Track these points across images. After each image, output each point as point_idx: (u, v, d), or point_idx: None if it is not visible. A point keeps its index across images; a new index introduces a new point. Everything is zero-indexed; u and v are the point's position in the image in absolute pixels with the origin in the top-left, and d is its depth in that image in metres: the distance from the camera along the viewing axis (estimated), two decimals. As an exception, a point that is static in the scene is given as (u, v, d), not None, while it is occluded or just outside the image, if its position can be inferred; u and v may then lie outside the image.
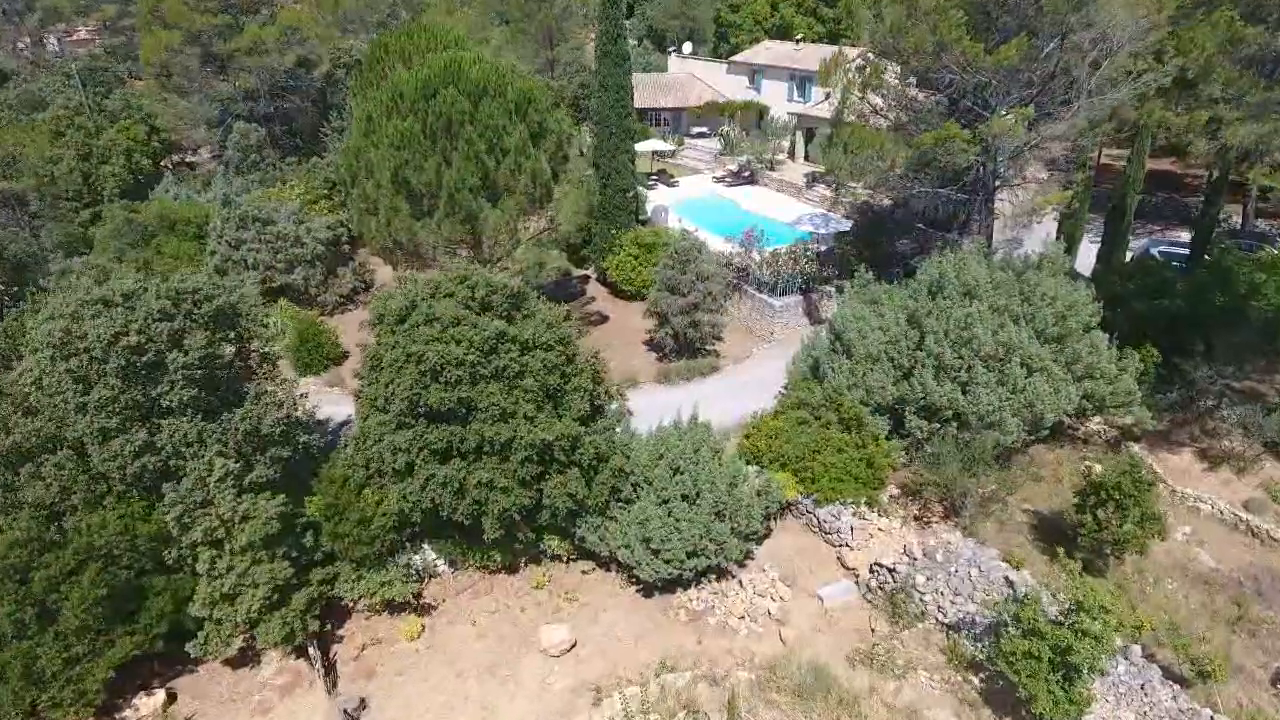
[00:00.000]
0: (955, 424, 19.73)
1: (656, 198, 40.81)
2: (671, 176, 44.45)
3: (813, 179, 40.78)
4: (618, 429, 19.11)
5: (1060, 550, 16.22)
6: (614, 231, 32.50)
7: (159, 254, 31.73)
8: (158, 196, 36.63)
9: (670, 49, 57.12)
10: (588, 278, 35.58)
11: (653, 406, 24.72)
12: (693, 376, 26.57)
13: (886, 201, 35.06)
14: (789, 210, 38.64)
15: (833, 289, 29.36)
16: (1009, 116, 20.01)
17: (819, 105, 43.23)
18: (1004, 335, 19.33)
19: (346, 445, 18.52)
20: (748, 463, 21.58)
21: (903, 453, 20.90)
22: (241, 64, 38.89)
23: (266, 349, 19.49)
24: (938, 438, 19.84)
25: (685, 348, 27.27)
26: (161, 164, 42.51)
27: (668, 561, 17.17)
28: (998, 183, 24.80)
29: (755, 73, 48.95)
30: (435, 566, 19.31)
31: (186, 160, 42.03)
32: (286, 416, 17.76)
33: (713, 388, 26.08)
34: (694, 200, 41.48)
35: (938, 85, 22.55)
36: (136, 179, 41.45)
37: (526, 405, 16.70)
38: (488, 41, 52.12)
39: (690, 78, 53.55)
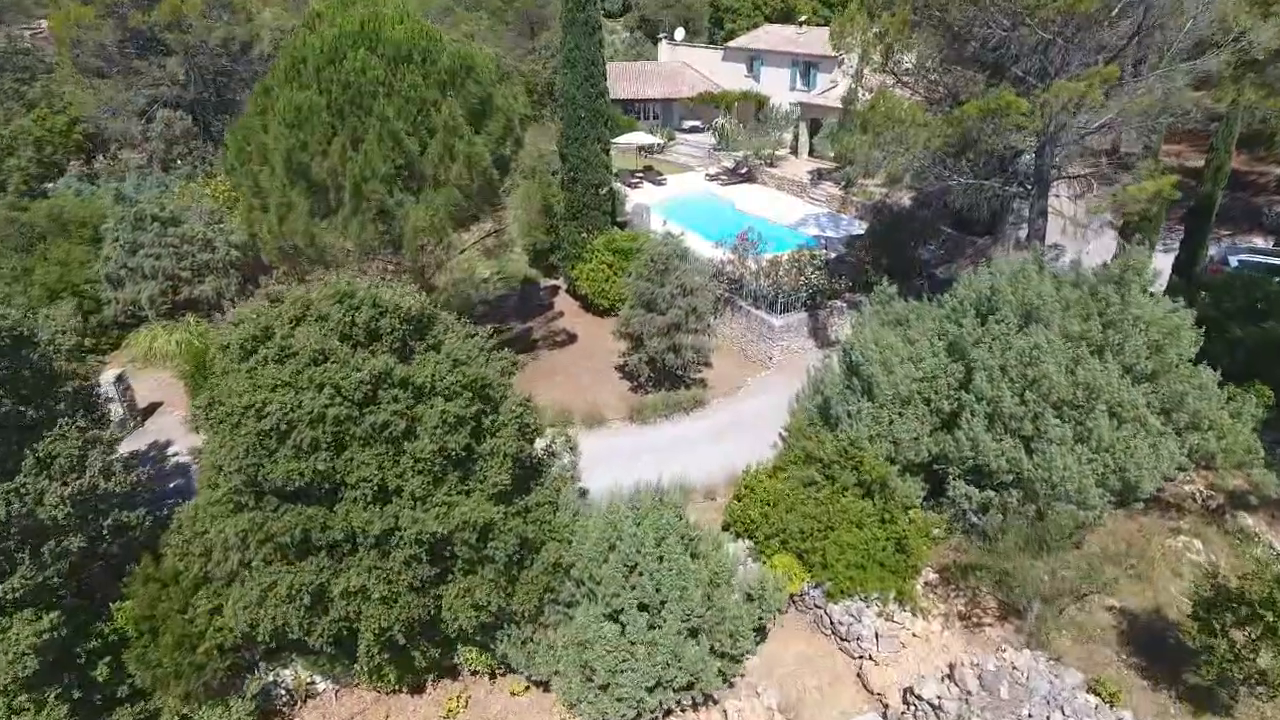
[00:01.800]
0: (1017, 492, 14.65)
1: (640, 197, 35.81)
2: (659, 173, 39.50)
3: (818, 175, 35.77)
4: (561, 497, 14.04)
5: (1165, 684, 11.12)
6: (584, 235, 27.50)
7: (44, 260, 26.70)
8: (58, 193, 31.64)
9: (661, 35, 52.29)
10: (556, 288, 30.57)
11: (619, 452, 19.69)
12: (672, 413, 21.49)
13: (905, 200, 30.13)
14: (792, 211, 33.61)
15: (844, 304, 24.31)
16: (1083, 80, 14.97)
17: (825, 94, 38.28)
18: (1084, 373, 14.26)
19: (179, 526, 13.43)
20: (737, 536, 16.54)
21: (943, 523, 15.84)
22: (165, 42, 33.94)
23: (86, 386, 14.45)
24: (993, 510, 14.77)
25: (664, 376, 22.22)
26: (73, 158, 37.50)
27: (620, 699, 12.08)
28: (1053, 173, 19.74)
29: (754, 59, 44.06)
30: (312, 685, 14.23)
31: (116, 154, 37.16)
32: (90, 488, 12.69)
33: (696, 428, 21.01)
34: (683, 199, 36.48)
35: (981, 46, 17.50)
36: (55, 174, 36.58)
37: (415, 480, 11.64)
38: (458, 26, 47.31)
39: (682, 66, 48.65)
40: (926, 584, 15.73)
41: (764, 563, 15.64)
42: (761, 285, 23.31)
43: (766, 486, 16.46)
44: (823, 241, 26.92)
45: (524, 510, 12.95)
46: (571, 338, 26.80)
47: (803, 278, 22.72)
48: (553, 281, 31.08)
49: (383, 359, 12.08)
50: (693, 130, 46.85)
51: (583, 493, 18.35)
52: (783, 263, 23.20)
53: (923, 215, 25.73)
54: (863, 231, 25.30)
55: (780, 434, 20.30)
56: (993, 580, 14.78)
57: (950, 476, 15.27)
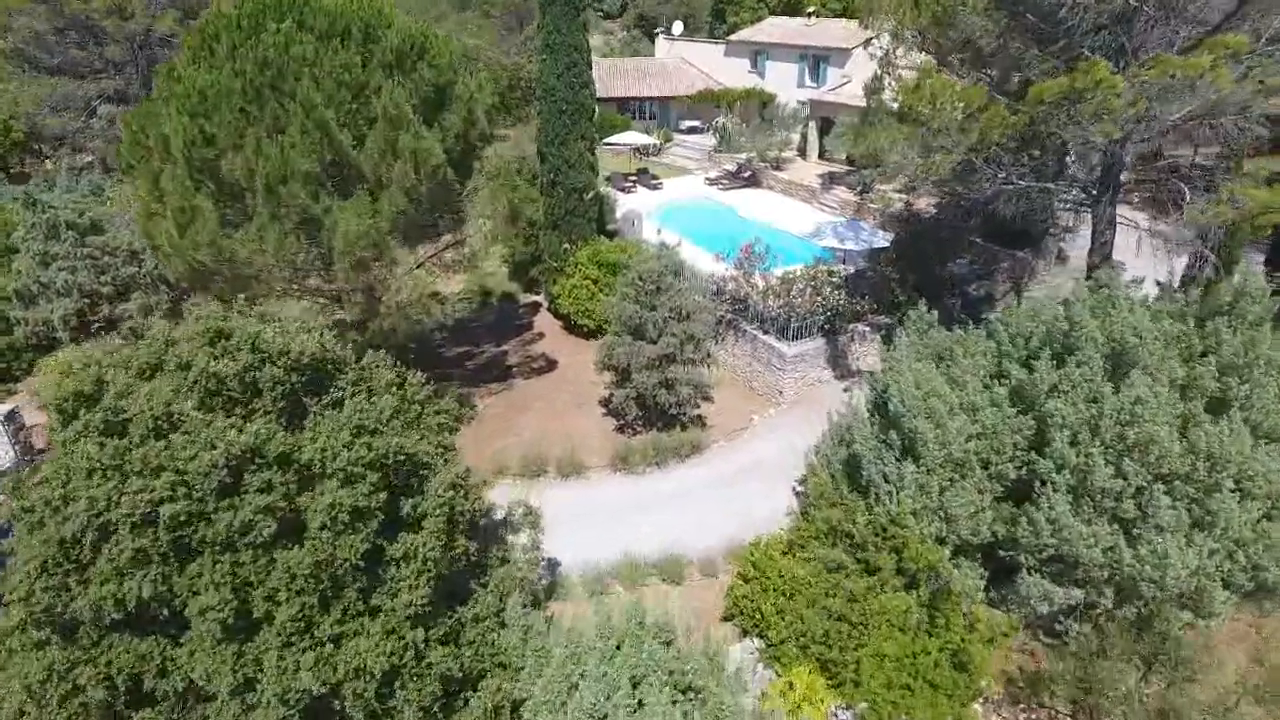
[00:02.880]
0: (1112, 592, 11.19)
1: (633, 202, 32.39)
2: (655, 177, 36.12)
3: (829, 179, 32.37)
4: (510, 609, 10.54)
5: None
6: (566, 246, 24.06)
7: (-54, 272, 23.29)
8: (-22, 197, 28.23)
9: (658, 30, 49.01)
10: (537, 305, 27.13)
11: (600, 509, 16.36)
12: (664, 459, 18.02)
13: (927, 206, 26.70)
14: (801, 218, 30.18)
15: (868, 328, 20.86)
16: (1204, 52, 11.55)
17: (837, 90, 34.92)
18: (1203, 437, 10.81)
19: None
20: (744, 632, 13.11)
21: (1011, 624, 12.36)
22: (107, 31, 30.59)
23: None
24: (1080, 614, 11.31)
25: (655, 415, 18.75)
26: (19, 160, 34.15)
27: None
28: (1125, 176, 16.31)
29: (758, 54, 40.75)
30: None
31: (52, 154, 33.89)
32: None
33: (692, 479, 17.53)
34: (680, 205, 33.07)
35: (1046, 19, 14.07)
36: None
37: (290, 605, 8.17)
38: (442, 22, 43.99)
39: (680, 63, 45.34)
40: (989, 701, 12.24)
41: (778, 673, 12.18)
42: (770, 306, 19.86)
43: (781, 568, 13.00)
44: (840, 254, 23.47)
45: (454, 632, 9.47)
46: (551, 364, 23.33)
47: (819, 298, 19.27)
48: (534, 297, 27.66)
49: (254, 428, 8.62)
50: (691, 131, 43.55)
51: (552, 566, 14.94)
52: (795, 280, 19.74)
53: (954, 224, 22.30)
54: (886, 243, 21.83)
55: (795, 488, 16.86)
56: (1074, 700, 11.30)
57: (1024, 568, 11.78)
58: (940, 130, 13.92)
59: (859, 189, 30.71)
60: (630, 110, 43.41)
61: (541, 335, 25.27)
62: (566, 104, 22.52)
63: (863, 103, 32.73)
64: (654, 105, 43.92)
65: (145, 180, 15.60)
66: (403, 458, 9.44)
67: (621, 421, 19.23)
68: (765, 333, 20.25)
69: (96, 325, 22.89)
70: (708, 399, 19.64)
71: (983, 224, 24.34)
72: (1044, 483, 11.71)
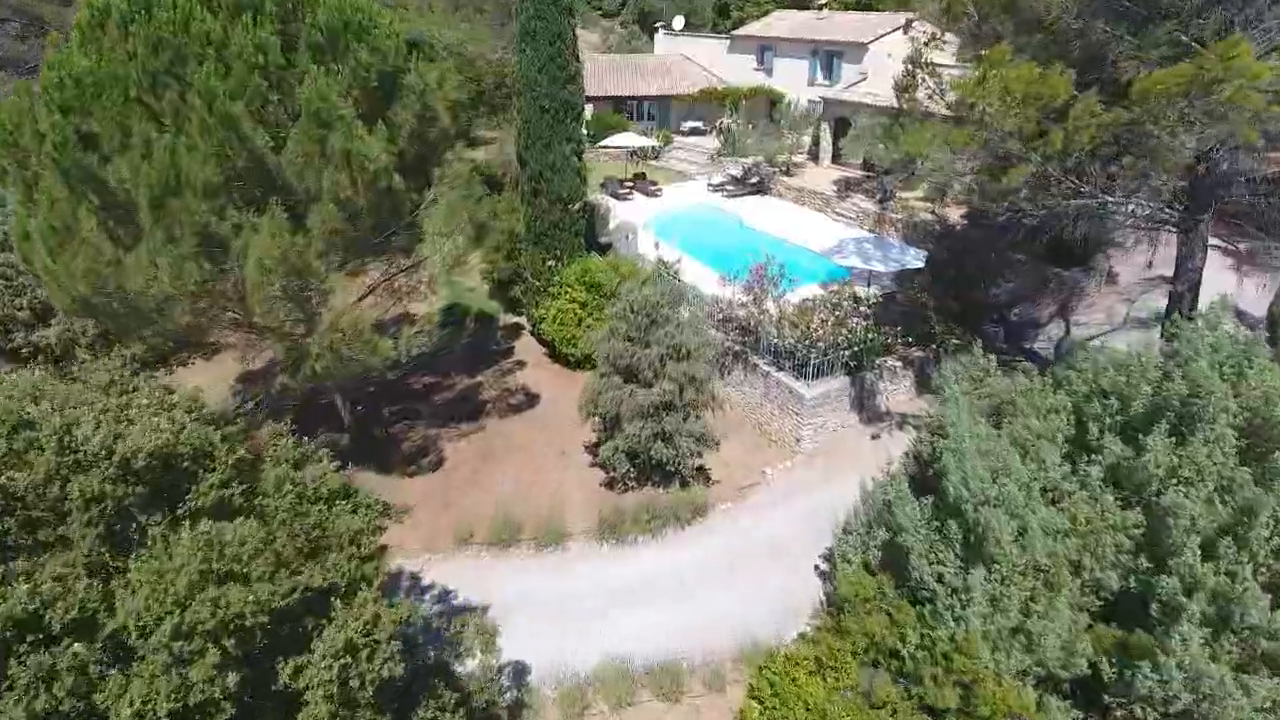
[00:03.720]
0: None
1: (628, 211, 29.41)
2: (653, 183, 33.15)
3: (845, 186, 29.38)
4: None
5: None
6: (550, 264, 21.09)
7: None
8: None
9: (657, 24, 46.03)
10: (520, 328, 24.15)
11: (579, 598, 13.49)
12: (660, 526, 15.03)
13: (954, 215, 23.82)
14: (816, 230, 27.22)
15: (898, 363, 17.87)
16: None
17: (853, 88, 31.94)
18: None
19: None
20: (761, 783, 10.13)
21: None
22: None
23: None
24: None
25: (650, 469, 15.78)
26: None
27: None
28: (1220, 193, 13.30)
29: (765, 50, 37.78)
30: None
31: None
32: None
33: (693, 554, 14.54)
34: (681, 216, 30.08)
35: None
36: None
37: None
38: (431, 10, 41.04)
39: (681, 60, 42.37)
40: None
41: None
42: (786, 337, 16.86)
43: (806, 697, 10.03)
44: (864, 275, 20.48)
45: None
46: (531, 399, 20.35)
47: (843, 329, 16.27)
48: (516, 319, 24.65)
49: (22, 590, 5.65)
50: (694, 132, 40.59)
51: (518, 675, 12.02)
52: (816, 308, 16.73)
53: (995, 239, 19.31)
54: (918, 262, 18.80)
55: (818, 566, 13.91)
56: None
57: (1137, 717, 8.78)
58: (1011, 134, 10.92)
59: (879, 197, 27.74)
60: (627, 110, 40.45)
61: (522, 364, 22.28)
62: (549, 100, 19.55)
63: (881, 101, 30.04)
64: (653, 105, 40.98)
65: (20, 190, 12.64)
66: (281, 606, 6.46)
67: (610, 475, 16.24)
68: (780, 369, 17.25)
69: (10, 353, 19.91)
70: (712, 447, 16.66)
71: (1024, 237, 21.46)
72: (1166, 607, 8.72)
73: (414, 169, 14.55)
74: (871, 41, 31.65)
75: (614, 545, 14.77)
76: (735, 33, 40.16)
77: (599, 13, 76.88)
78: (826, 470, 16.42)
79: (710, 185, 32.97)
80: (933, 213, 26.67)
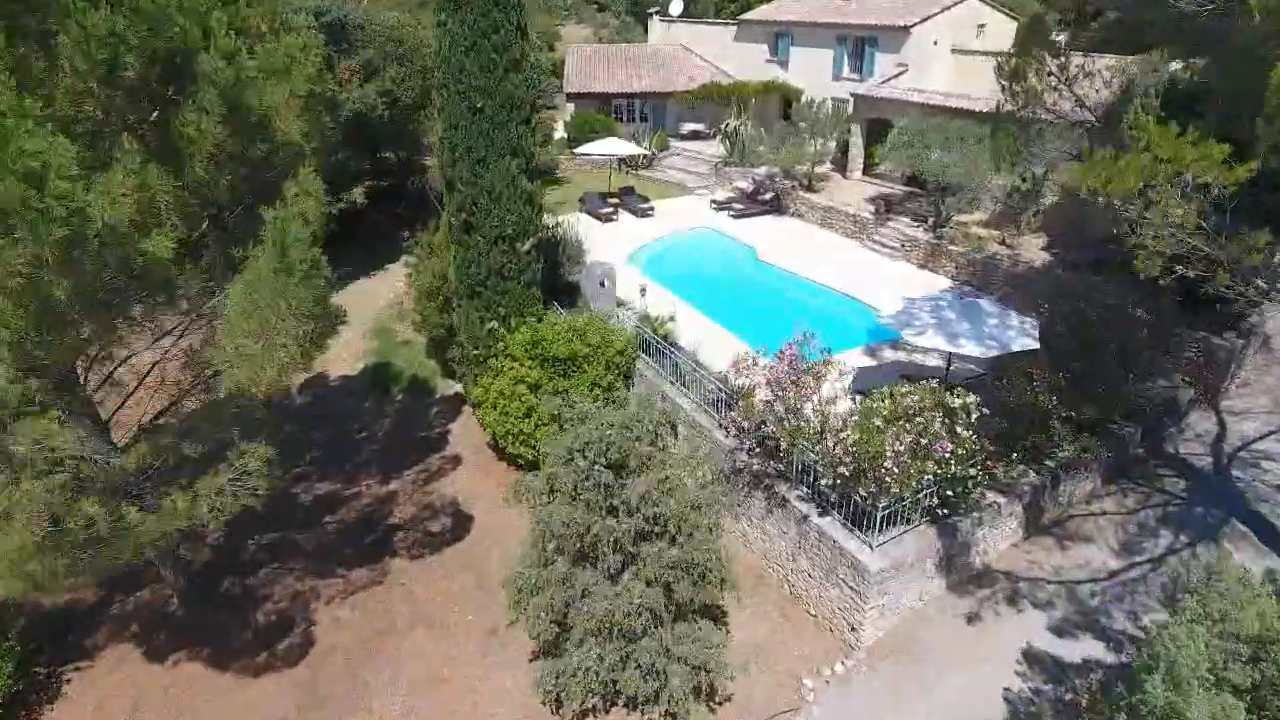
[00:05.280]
0: None
1: (611, 238, 23.30)
2: (644, 199, 27.03)
3: (885, 206, 23.21)
4: None
5: None
6: (492, 326, 14.99)
7: None
8: None
9: (652, 10, 39.80)
10: (461, 401, 18.02)
11: None
12: (637, 813, 8.89)
13: (1035, 249, 17.90)
14: (853, 268, 21.13)
15: (1001, 498, 11.65)
16: None
17: (892, 83, 25.78)
18: None
19: None
20: None
21: None
22: None
23: None
24: None
25: (617, 694, 9.64)
26: None
27: None
28: None
29: (779, 37, 31.60)
30: None
31: None
32: None
33: None
34: (677, 246, 24.02)
35: None
36: None
37: None
38: None
39: (679, 50, 36.19)
40: None
41: None
42: (834, 461, 10.62)
43: None
44: (935, 356, 14.28)
45: None
46: (459, 525, 14.27)
47: (930, 464, 10.08)
48: (457, 386, 18.55)
49: None
50: (694, 136, 34.46)
51: None
52: (894, 422, 10.44)
53: (1133, 301, 13.13)
54: (1028, 337, 12.34)
55: None
56: None
57: None
58: None
59: (931, 222, 21.58)
60: (616, 109, 34.32)
61: (456, 461, 16.15)
62: (483, 97, 13.43)
63: (932, 98, 23.83)
64: (645, 103, 34.82)
65: None
66: None
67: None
68: (823, 511, 11.11)
69: None
70: (724, 677, 10.47)
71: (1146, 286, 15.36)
72: None
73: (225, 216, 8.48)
74: (916, 24, 25.50)
75: None
76: (744, 17, 33.89)
77: (594, 5, 70.66)
78: (898, 681, 10.31)
79: (714, 202, 26.82)
80: (1004, 243, 20.56)
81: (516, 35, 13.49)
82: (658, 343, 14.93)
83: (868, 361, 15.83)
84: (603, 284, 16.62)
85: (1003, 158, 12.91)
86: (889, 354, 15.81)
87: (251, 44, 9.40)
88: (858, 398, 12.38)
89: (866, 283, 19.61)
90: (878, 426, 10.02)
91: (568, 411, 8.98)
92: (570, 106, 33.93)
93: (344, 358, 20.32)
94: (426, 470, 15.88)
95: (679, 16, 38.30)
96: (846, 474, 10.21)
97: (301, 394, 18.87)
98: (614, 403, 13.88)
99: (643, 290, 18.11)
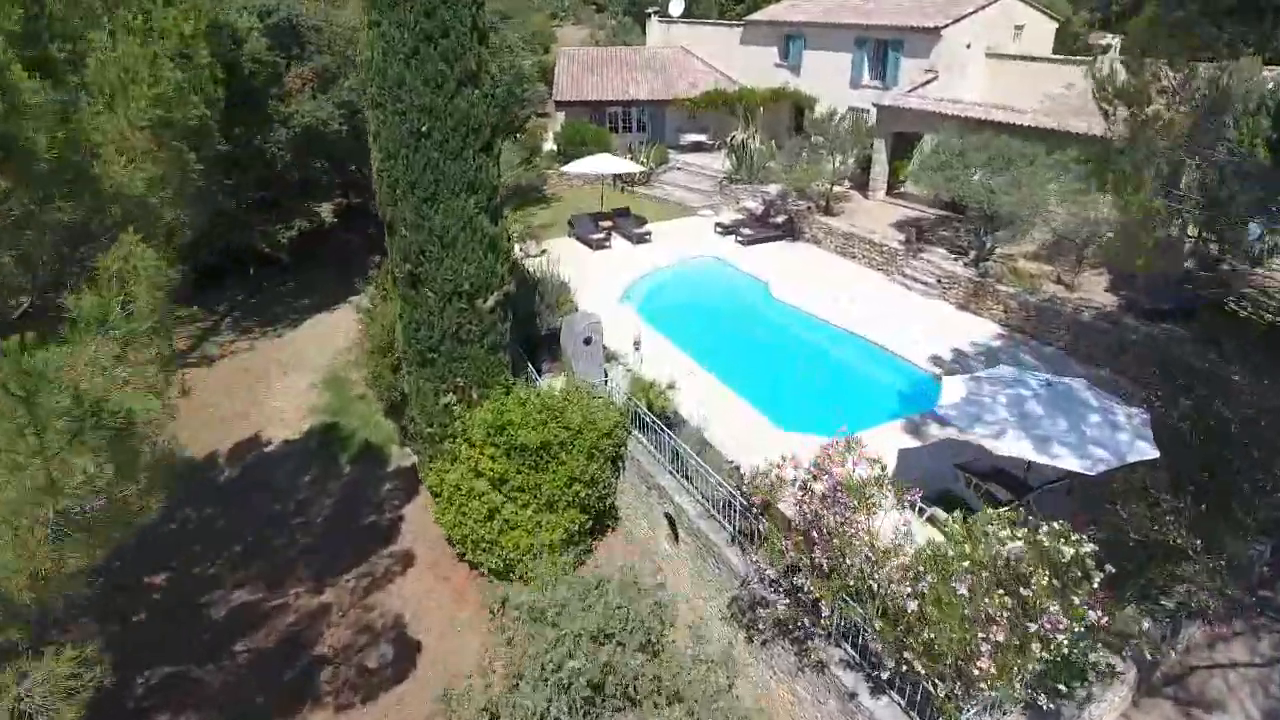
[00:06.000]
0: None
1: (603, 268, 20.37)
2: (641, 221, 24.11)
3: (916, 234, 20.24)
4: None
5: None
6: (449, 400, 12.05)
7: None
8: None
9: (650, 9, 36.78)
10: (417, 478, 15.01)
11: None
12: None
13: (1099, 291, 15.04)
14: (880, 305, 18.24)
15: (1111, 661, 8.66)
16: None
17: (920, 91, 22.83)
18: None
19: None
20: None
21: None
22: None
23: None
24: None
25: None
26: None
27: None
28: None
29: (791, 39, 28.69)
30: None
31: None
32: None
33: None
34: (679, 277, 21.11)
35: None
36: None
37: None
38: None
39: (680, 54, 33.24)
40: None
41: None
42: (897, 643, 7.68)
43: None
44: (1020, 467, 11.28)
45: None
46: (405, 655, 11.33)
47: (1035, 645, 7.17)
48: (415, 456, 15.58)
49: None
50: (695, 148, 31.54)
51: None
52: (977, 572, 7.51)
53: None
54: (1144, 442, 9.25)
55: None
56: None
57: None
58: None
59: (973, 255, 18.63)
60: (610, 119, 31.38)
61: (408, 559, 13.20)
62: (430, 118, 10.51)
63: (969, 109, 20.80)
64: (643, 112, 31.89)
65: None
66: None
67: None
68: (877, 686, 8.16)
69: None
70: None
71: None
72: None
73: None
74: (948, 25, 22.55)
75: None
76: (751, 17, 30.91)
77: (592, 5, 67.63)
78: None
79: (719, 226, 23.86)
80: (1059, 281, 17.60)
81: (472, 40, 10.56)
82: (654, 422, 11.99)
83: (909, 441, 12.86)
84: (587, 341, 13.66)
85: (1132, 205, 9.88)
86: (937, 431, 12.83)
87: (76, 51, 6.51)
88: (910, 509, 9.40)
89: (901, 328, 16.68)
90: (961, 596, 7.06)
91: (515, 607, 6.02)
92: (561, 115, 31.01)
93: (288, 415, 17.41)
94: (370, 574, 12.93)
95: (679, 17, 35.33)
96: (919, 668, 7.25)
97: (231, 464, 15.94)
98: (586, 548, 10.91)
99: (637, 343, 15.18)
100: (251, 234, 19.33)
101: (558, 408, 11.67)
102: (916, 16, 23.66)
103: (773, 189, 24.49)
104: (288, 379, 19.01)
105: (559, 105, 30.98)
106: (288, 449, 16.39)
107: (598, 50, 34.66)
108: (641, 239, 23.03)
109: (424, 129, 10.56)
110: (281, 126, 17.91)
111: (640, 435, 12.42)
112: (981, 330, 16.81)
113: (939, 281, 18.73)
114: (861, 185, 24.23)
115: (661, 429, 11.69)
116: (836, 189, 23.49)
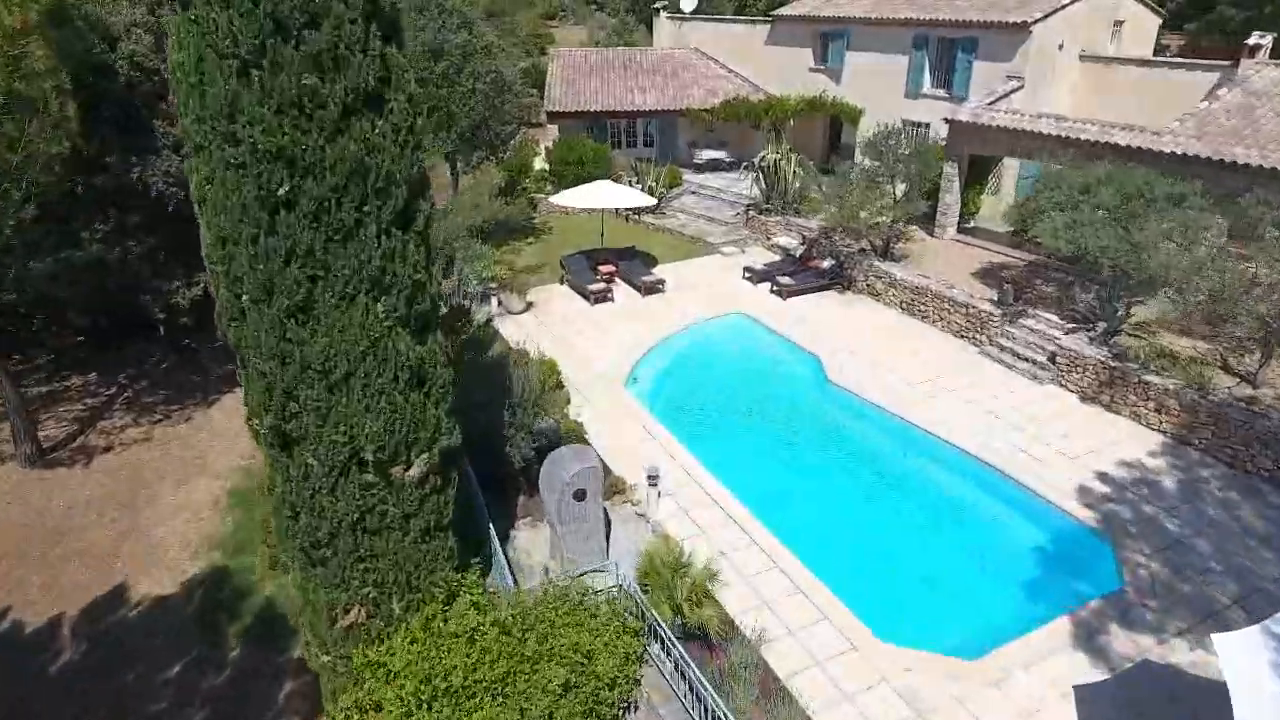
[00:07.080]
0: None
1: (599, 335, 15.68)
2: (650, 263, 19.46)
3: (1015, 294, 15.48)
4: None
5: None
6: (352, 616, 7.31)
7: None
8: None
9: (658, 5, 31.97)
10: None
11: None
12: None
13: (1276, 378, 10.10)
14: (980, 397, 13.60)
15: None
16: None
17: (1002, 103, 18.14)
18: None
19: None
20: None
21: None
22: None
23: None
24: None
25: None
26: None
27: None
28: None
29: (830, 38, 24.02)
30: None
31: None
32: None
33: None
34: (701, 347, 16.42)
35: None
36: None
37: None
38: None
39: (693, 56, 28.58)
40: None
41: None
42: None
43: None
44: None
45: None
46: None
47: None
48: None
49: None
50: (712, 167, 26.91)
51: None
52: None
53: None
54: None
55: None
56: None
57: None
58: None
59: (1102, 330, 13.90)
60: (612, 132, 26.72)
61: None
62: (297, 172, 5.81)
63: (1074, 132, 15.37)
64: (650, 124, 27.20)
65: None
66: None
67: None
68: None
69: None
70: None
71: None
72: None
73: None
74: (1038, 20, 17.86)
75: None
76: (781, 12, 26.14)
77: (592, 5, 62.91)
78: None
79: (748, 271, 19.12)
80: (1225, 367, 12.88)
81: (366, 34, 5.88)
82: (681, 658, 7.29)
83: (1083, 661, 8.13)
84: (579, 495, 8.93)
85: None
86: (1125, 642, 8.11)
87: None
88: None
89: (1017, 437, 11.99)
90: None
91: None
92: (553, 128, 26.36)
93: (172, 552, 12.70)
94: None
95: (692, 14, 30.60)
96: None
97: (77, 636, 11.22)
98: None
99: (652, 478, 10.45)
100: (138, 294, 14.65)
101: (528, 654, 6.95)
102: (997, 10, 18.96)
103: (813, 223, 19.80)
104: (185, 488, 14.31)
105: (551, 116, 26.32)
106: (159, 613, 11.60)
107: (597, 52, 29.94)
108: (651, 289, 18.32)
109: (283, 193, 5.87)
110: (172, 154, 13.32)
111: (662, 659, 7.74)
112: (1132, 440, 12.10)
113: (1052, 360, 14.02)
114: (928, 218, 19.49)
115: (703, 686, 6.96)
116: (898, 226, 18.73)
